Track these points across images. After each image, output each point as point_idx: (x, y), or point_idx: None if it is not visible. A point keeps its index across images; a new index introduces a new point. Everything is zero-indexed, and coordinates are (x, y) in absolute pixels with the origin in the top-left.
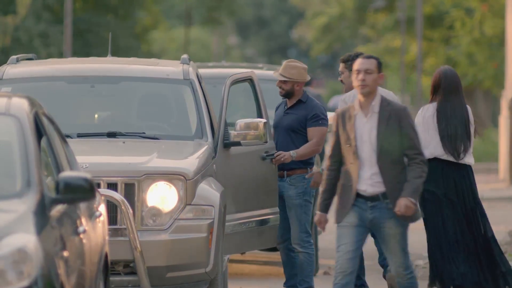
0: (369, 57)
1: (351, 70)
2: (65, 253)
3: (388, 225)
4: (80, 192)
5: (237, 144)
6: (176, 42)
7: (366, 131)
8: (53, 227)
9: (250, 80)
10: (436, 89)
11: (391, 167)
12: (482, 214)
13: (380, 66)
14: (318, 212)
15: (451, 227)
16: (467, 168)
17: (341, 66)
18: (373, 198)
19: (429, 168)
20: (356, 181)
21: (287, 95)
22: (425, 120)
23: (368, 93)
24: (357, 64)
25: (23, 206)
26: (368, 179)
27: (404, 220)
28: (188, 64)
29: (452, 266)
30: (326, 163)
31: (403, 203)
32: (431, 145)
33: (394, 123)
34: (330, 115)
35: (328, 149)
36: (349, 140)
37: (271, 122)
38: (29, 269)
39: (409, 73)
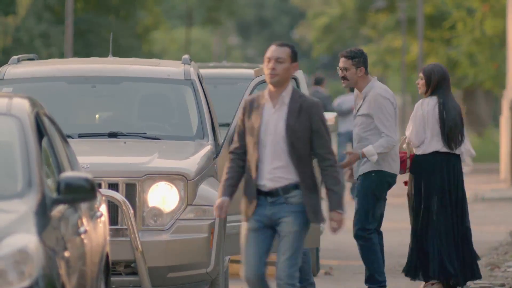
0: (282, 44)
1: (358, 67)
2: (66, 254)
3: (285, 222)
4: (81, 192)
5: None
6: (177, 43)
7: (272, 122)
8: (54, 227)
9: (294, 80)
10: (436, 83)
11: (297, 163)
12: (466, 203)
13: (294, 55)
14: (220, 198)
15: (445, 219)
16: (459, 159)
17: (345, 62)
18: (272, 194)
19: (431, 161)
20: (255, 175)
21: None
22: (424, 114)
23: (279, 83)
24: (269, 51)
25: (24, 207)
26: (268, 173)
27: (316, 222)
28: (189, 64)
29: (444, 258)
30: (230, 148)
31: (336, 219)
32: (433, 139)
33: (305, 117)
34: (330, 116)
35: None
36: (252, 130)
37: None
38: (30, 270)
39: (410, 73)
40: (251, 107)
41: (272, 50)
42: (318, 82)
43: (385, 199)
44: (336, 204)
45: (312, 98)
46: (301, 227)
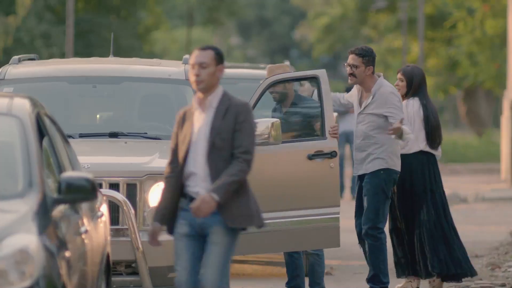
0: (205, 48)
1: (367, 66)
2: (67, 254)
3: (214, 231)
4: (82, 192)
5: None
6: (178, 43)
7: (202, 127)
8: (55, 227)
9: (315, 79)
10: (417, 85)
11: (222, 166)
12: (447, 201)
13: (219, 57)
14: (152, 223)
15: (430, 217)
16: (436, 159)
17: (356, 59)
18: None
19: (414, 160)
20: (188, 183)
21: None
22: (409, 115)
23: (205, 89)
24: (192, 57)
25: (25, 207)
26: (202, 181)
27: (233, 225)
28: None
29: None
30: (165, 170)
31: (203, 198)
32: (418, 139)
33: (231, 118)
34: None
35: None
36: (184, 139)
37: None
38: (31, 270)
39: None
40: (184, 119)
41: (195, 56)
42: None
43: (389, 200)
44: (215, 188)
45: (242, 100)
46: (232, 236)
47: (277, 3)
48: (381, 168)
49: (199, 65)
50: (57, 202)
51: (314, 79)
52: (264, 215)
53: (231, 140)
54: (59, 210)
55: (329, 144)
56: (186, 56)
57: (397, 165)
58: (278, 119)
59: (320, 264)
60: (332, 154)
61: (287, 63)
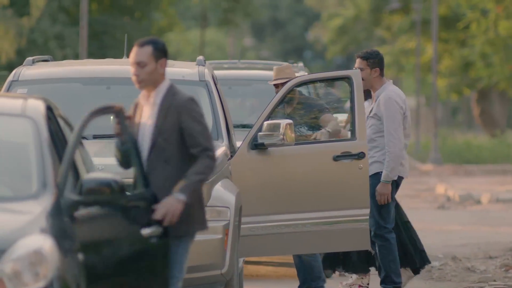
0: (143, 44)
1: (373, 68)
2: (81, 255)
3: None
4: (105, 194)
5: (261, 145)
6: (191, 44)
7: (146, 125)
8: (71, 228)
9: (347, 79)
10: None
11: (163, 167)
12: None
13: (158, 51)
14: None
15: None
16: None
17: (361, 63)
18: None
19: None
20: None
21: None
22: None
23: (147, 86)
24: (131, 55)
25: (39, 208)
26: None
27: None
28: (203, 65)
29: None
30: None
31: (163, 204)
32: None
33: (173, 117)
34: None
35: None
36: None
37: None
38: (45, 271)
39: (424, 75)
40: (134, 112)
41: (133, 54)
42: (330, 84)
43: (393, 200)
44: (181, 188)
45: (185, 96)
46: (176, 244)
47: (290, 5)
48: (378, 171)
49: (137, 64)
50: (78, 203)
51: (347, 79)
52: (293, 216)
53: (174, 141)
54: (79, 211)
55: (357, 145)
56: (200, 57)
57: (400, 171)
58: (291, 120)
59: (316, 259)
60: (359, 155)
61: (300, 64)
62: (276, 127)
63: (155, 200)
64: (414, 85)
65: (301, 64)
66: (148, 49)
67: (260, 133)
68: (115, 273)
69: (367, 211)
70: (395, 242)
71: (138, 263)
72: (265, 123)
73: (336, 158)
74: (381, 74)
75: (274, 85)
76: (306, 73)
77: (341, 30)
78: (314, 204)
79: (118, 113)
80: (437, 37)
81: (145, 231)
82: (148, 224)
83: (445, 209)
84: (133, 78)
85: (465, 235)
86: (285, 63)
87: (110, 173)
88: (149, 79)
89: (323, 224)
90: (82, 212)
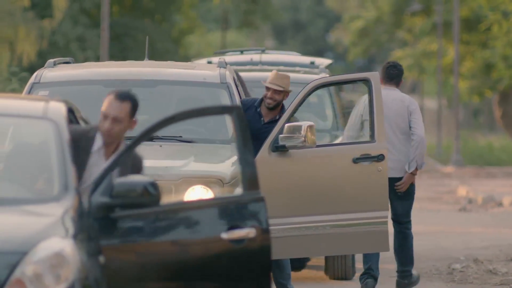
0: (123, 98)
1: (382, 78)
2: (102, 258)
3: None
4: (141, 197)
5: (282, 147)
6: (212, 46)
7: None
8: (93, 230)
9: (366, 82)
10: None
11: None
12: None
13: (134, 109)
14: None
15: None
16: None
17: None
18: None
19: None
20: None
21: (276, 106)
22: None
23: (112, 142)
24: (106, 104)
25: (61, 210)
26: None
27: None
28: (224, 68)
29: None
30: None
31: None
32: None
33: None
34: None
35: None
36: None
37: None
38: (66, 273)
39: (446, 77)
40: (93, 159)
41: (110, 106)
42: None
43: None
44: None
45: (136, 156)
46: None
47: (311, 6)
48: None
49: (113, 119)
50: (107, 206)
51: (366, 82)
52: (313, 218)
53: None
54: (117, 213)
55: (377, 147)
56: (221, 59)
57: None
58: (312, 122)
59: (287, 263)
60: (379, 158)
61: (322, 66)
62: (297, 129)
63: None
64: (435, 87)
65: (322, 66)
66: (127, 105)
67: (281, 135)
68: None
69: (386, 213)
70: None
71: (213, 268)
72: (286, 125)
73: (356, 161)
74: (382, 82)
75: (266, 87)
76: (327, 75)
77: (363, 32)
78: (334, 207)
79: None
80: (459, 39)
81: (227, 235)
82: (233, 227)
83: (467, 211)
84: (104, 128)
85: (486, 237)
86: (286, 73)
87: (145, 176)
88: (118, 137)
89: (343, 226)
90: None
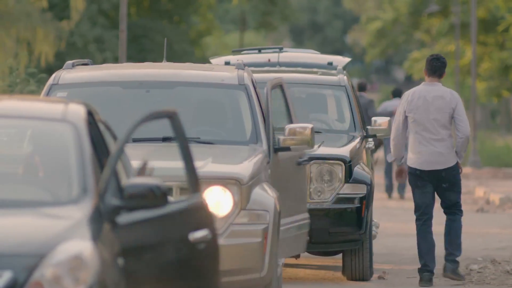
0: None
1: (426, 70)
2: (121, 260)
3: None
4: (150, 199)
5: (287, 149)
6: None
7: None
8: (111, 233)
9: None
10: None
11: None
12: None
13: None
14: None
15: None
16: None
17: None
18: None
19: None
20: None
21: None
22: None
23: None
24: None
25: (80, 213)
26: None
27: None
28: (243, 69)
29: None
30: None
31: None
32: None
33: None
34: (383, 120)
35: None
36: None
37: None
38: (85, 276)
39: (464, 78)
40: None
41: None
42: (362, 88)
43: (419, 188)
44: None
45: None
46: None
47: (329, 8)
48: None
49: None
50: (119, 208)
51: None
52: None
53: None
54: (120, 216)
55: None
56: (239, 61)
57: (411, 161)
58: (311, 125)
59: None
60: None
61: (339, 67)
62: (299, 131)
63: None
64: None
65: (340, 67)
66: None
67: (283, 137)
68: (159, 279)
69: (306, 215)
70: (419, 230)
71: (184, 269)
72: (287, 127)
73: (301, 163)
74: (426, 74)
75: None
76: (346, 77)
77: (380, 33)
78: (291, 209)
79: (172, 116)
80: (476, 40)
81: (192, 236)
82: (196, 228)
83: (484, 212)
84: None
85: (504, 238)
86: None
87: (153, 178)
88: None
89: (294, 228)
90: (125, 217)
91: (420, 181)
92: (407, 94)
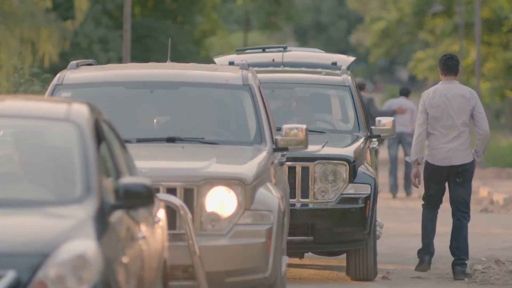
0: None
1: (442, 70)
2: (125, 259)
3: None
4: (139, 198)
5: (285, 149)
6: (234, 47)
7: None
8: (113, 233)
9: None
10: None
11: None
12: None
13: None
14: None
15: None
16: None
17: None
18: None
19: None
20: None
21: None
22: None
23: None
24: None
25: (83, 212)
26: None
27: None
28: (247, 69)
29: None
30: None
31: None
32: None
33: None
34: (388, 121)
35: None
36: None
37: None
38: (88, 275)
39: (468, 78)
40: None
41: None
42: (360, 88)
43: (434, 183)
44: None
45: None
46: None
47: (333, 8)
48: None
49: None
50: (115, 207)
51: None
52: None
53: None
54: (117, 215)
55: None
56: (243, 61)
57: (429, 157)
58: (305, 126)
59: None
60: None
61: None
62: (295, 132)
63: None
64: None
65: (344, 67)
66: None
67: (280, 137)
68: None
69: None
70: (424, 219)
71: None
72: (285, 127)
73: (283, 163)
74: (442, 74)
75: None
76: (350, 77)
77: (384, 34)
78: None
79: None
80: (480, 40)
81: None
82: None
83: (489, 212)
84: None
85: (508, 238)
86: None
87: (142, 177)
88: None
89: None
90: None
91: (437, 176)
92: (427, 93)
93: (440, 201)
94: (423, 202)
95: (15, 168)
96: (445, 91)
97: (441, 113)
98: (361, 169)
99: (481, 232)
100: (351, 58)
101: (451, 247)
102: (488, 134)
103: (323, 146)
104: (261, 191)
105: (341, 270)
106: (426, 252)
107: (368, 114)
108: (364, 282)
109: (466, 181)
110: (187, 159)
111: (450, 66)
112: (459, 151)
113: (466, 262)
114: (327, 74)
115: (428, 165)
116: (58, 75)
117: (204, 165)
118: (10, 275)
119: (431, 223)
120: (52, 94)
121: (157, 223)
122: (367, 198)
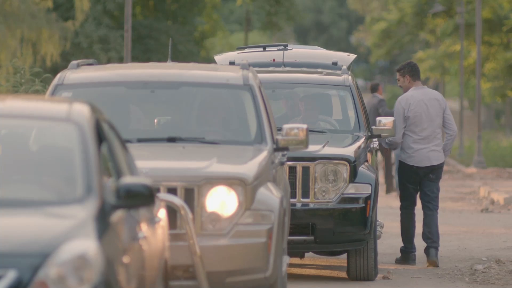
0: None
1: (404, 76)
2: (125, 259)
3: None
4: (140, 198)
5: (286, 149)
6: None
7: None
8: (113, 233)
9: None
10: None
11: None
12: None
13: None
14: None
15: None
16: None
17: (397, 74)
18: None
19: None
20: None
21: None
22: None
23: None
24: None
25: (84, 212)
26: None
27: None
28: (247, 69)
29: None
30: None
31: None
32: None
33: None
34: (388, 121)
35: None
36: None
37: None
38: (89, 275)
39: (468, 78)
40: None
41: None
42: (374, 89)
43: (412, 184)
44: None
45: None
46: None
47: (334, 8)
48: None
49: None
50: (116, 207)
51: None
52: None
53: None
54: (118, 215)
55: None
56: (244, 61)
57: (407, 158)
58: (306, 126)
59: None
60: None
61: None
62: (296, 132)
63: None
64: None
65: (344, 67)
66: None
67: (280, 137)
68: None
69: None
70: (402, 218)
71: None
72: (285, 126)
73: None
74: (413, 79)
75: None
76: (350, 77)
77: (385, 34)
78: None
79: None
80: (481, 40)
81: None
82: None
83: (489, 212)
84: None
85: (509, 238)
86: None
87: (143, 177)
88: None
89: None
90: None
91: (414, 177)
92: (404, 99)
93: (416, 201)
94: (400, 205)
95: (16, 168)
96: (422, 96)
97: (421, 118)
98: (361, 169)
99: (481, 232)
100: (353, 56)
101: (423, 233)
102: (456, 135)
103: (323, 146)
104: (262, 191)
105: (341, 270)
106: (411, 251)
107: (377, 114)
108: (364, 282)
109: (438, 178)
110: (187, 159)
111: (418, 71)
112: (436, 151)
113: (438, 248)
114: (327, 74)
115: (405, 166)
116: (58, 75)
117: (204, 165)
118: (11, 275)
119: (413, 227)
120: (53, 94)
121: (158, 223)
122: (368, 198)
